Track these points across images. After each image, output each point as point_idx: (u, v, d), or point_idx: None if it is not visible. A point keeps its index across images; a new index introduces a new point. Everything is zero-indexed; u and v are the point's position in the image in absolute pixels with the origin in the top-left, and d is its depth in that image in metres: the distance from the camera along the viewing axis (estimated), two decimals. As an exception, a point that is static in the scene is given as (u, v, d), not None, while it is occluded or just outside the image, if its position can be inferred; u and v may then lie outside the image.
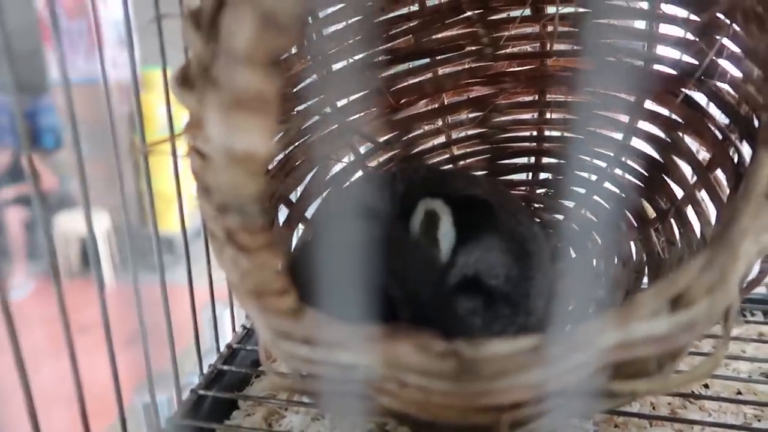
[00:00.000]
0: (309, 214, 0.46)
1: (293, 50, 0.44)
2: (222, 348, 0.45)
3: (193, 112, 0.25)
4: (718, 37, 0.34)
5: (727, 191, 0.35)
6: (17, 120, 0.27)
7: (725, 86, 0.36)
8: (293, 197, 0.46)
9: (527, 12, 0.45)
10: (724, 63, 0.35)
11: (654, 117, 0.43)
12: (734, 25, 0.32)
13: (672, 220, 0.41)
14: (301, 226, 0.46)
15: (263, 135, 0.21)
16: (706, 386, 0.42)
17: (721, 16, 0.34)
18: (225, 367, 0.43)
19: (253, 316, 0.27)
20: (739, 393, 0.41)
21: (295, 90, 0.45)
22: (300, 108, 0.46)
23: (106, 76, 0.31)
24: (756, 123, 0.32)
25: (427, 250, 0.36)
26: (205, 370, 0.42)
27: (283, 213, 0.45)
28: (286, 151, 0.45)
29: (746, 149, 0.34)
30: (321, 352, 0.25)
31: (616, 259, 0.45)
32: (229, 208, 0.23)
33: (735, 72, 0.35)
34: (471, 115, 0.52)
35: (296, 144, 0.46)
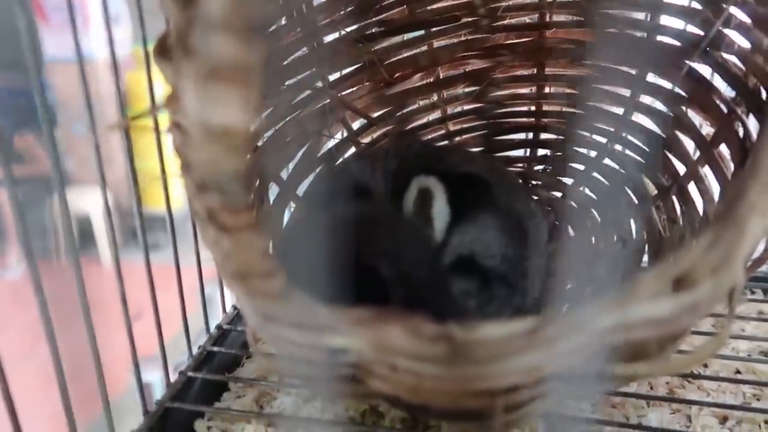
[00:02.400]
0: (300, 191, 0.45)
1: (282, 21, 0.43)
2: (212, 329, 0.44)
3: (172, 84, 0.24)
4: (725, 5, 0.33)
5: (732, 167, 0.34)
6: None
7: (732, 58, 0.34)
8: (284, 174, 0.44)
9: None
10: (731, 33, 0.34)
11: (657, 90, 0.42)
12: (743, -9, 0.30)
13: (674, 197, 0.39)
14: (292, 204, 0.45)
15: (242, 108, 0.20)
16: (705, 366, 0.41)
17: (729, -18, 0.32)
18: (215, 349, 0.42)
19: (239, 298, 0.26)
20: (738, 372, 0.41)
21: (284, 63, 0.44)
22: (290, 82, 0.44)
23: (81, 54, 0.29)
24: (764, 95, 0.31)
25: (421, 228, 0.35)
26: (195, 351, 0.41)
27: (273, 191, 0.43)
28: (276, 127, 0.44)
29: (753, 123, 0.32)
30: (309, 336, 0.24)
31: (615, 238, 0.44)
32: (209, 186, 0.22)
33: (743, 42, 0.33)
34: (467, 90, 0.50)
35: (286, 119, 0.45)
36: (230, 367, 0.43)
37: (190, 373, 0.39)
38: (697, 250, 0.22)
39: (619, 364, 0.24)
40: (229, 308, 0.47)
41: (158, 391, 0.38)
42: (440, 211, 0.36)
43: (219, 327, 0.45)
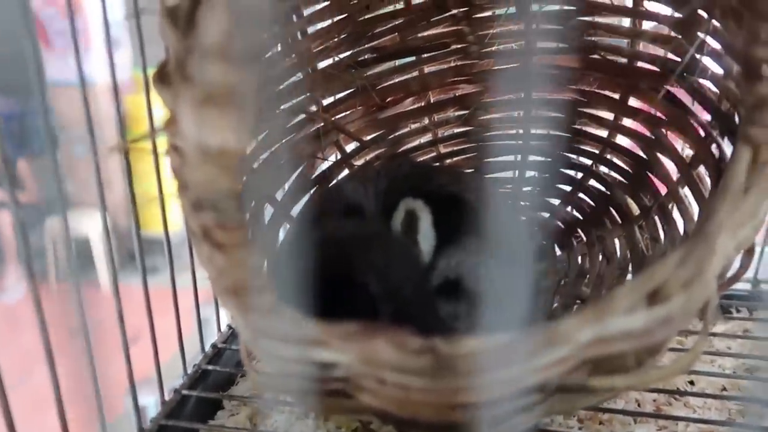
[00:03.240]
0: (294, 212, 0.46)
1: (278, 48, 0.44)
2: (207, 348, 0.45)
3: (170, 108, 0.25)
4: (699, 34, 0.34)
5: (710, 188, 0.35)
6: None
7: (707, 83, 0.36)
8: (279, 196, 0.45)
9: (512, 10, 0.45)
10: (705, 60, 0.35)
11: (638, 114, 0.43)
12: (713, 20, 0.32)
13: (656, 217, 0.41)
14: (286, 225, 0.46)
15: (237, 130, 0.21)
16: (692, 383, 0.42)
17: (701, 12, 0.34)
18: (210, 367, 0.43)
19: (233, 314, 0.27)
20: (724, 389, 0.41)
21: (279, 88, 0.45)
22: (285, 106, 0.46)
23: (84, 77, 0.31)
24: (737, 119, 0.32)
25: (410, 247, 0.36)
26: (190, 370, 0.42)
27: (268, 212, 0.45)
28: (271, 149, 0.45)
29: (728, 146, 0.34)
30: (299, 350, 0.25)
31: (600, 257, 0.45)
32: (204, 205, 0.23)
33: (716, 68, 0.35)
34: (457, 113, 0.52)
35: (281, 142, 0.46)
36: (225, 385, 0.43)
37: (184, 391, 0.40)
38: (668, 266, 0.23)
39: (598, 378, 0.25)
40: (224, 327, 0.48)
41: (152, 415, 0.39)
42: (426, 234, 0.37)
43: (214, 346, 0.45)
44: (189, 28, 0.23)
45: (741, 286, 0.52)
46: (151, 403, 0.48)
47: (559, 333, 0.23)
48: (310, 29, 0.45)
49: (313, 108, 0.47)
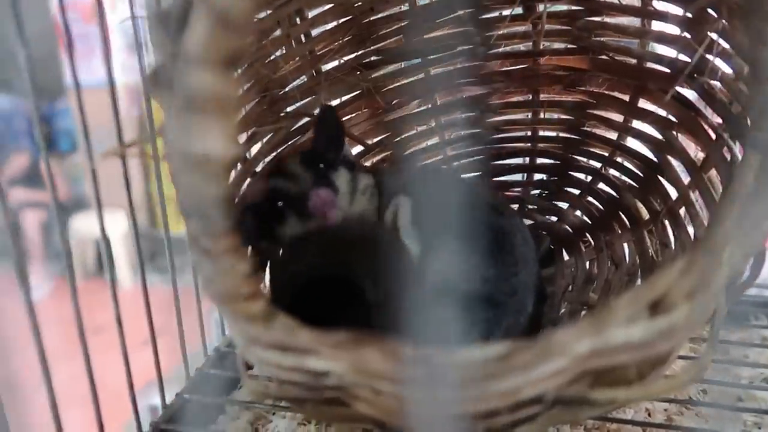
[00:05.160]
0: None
1: (282, 50, 0.44)
2: (210, 351, 0.45)
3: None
4: (709, 33, 0.33)
5: (721, 192, 0.34)
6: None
7: (718, 84, 0.35)
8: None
9: (518, 10, 0.44)
10: (716, 61, 0.34)
11: (648, 116, 0.42)
12: (722, 20, 0.31)
13: (666, 222, 0.39)
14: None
15: (221, 137, 0.21)
16: (704, 392, 0.40)
17: (710, 11, 0.33)
18: (212, 371, 0.42)
19: (227, 321, 0.27)
20: (740, 400, 0.40)
21: (284, 91, 0.45)
22: (289, 109, 0.46)
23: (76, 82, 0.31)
24: (748, 122, 0.31)
25: (405, 252, 0.35)
26: (192, 373, 0.42)
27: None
28: (276, 152, 0.45)
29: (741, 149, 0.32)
30: (291, 359, 0.25)
31: (608, 262, 0.43)
32: (190, 212, 0.22)
33: (727, 69, 0.33)
34: (464, 116, 0.51)
35: (286, 145, 0.46)
36: (228, 389, 0.43)
37: (186, 395, 0.40)
38: (671, 275, 0.22)
39: (599, 390, 0.24)
40: (228, 330, 0.47)
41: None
42: (405, 227, 0.37)
43: (217, 349, 0.45)
44: (179, 34, 0.23)
45: (758, 292, 0.51)
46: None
47: (556, 344, 0.22)
48: (314, 32, 0.45)
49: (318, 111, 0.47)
